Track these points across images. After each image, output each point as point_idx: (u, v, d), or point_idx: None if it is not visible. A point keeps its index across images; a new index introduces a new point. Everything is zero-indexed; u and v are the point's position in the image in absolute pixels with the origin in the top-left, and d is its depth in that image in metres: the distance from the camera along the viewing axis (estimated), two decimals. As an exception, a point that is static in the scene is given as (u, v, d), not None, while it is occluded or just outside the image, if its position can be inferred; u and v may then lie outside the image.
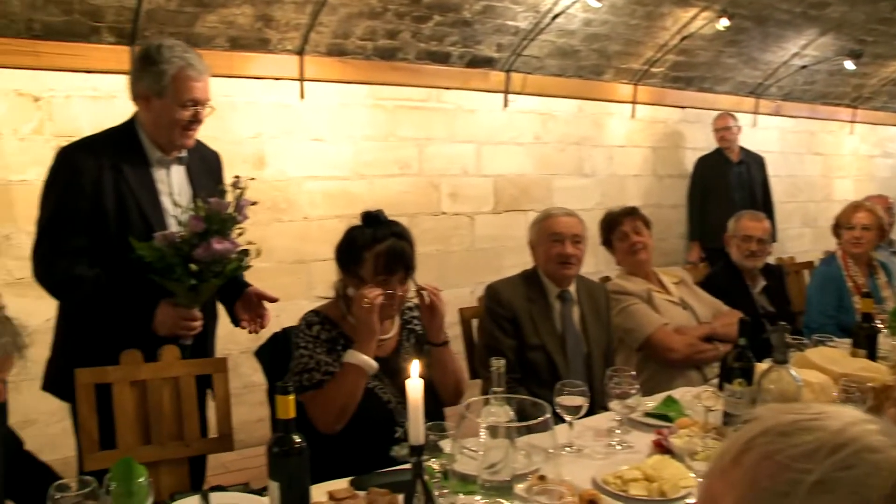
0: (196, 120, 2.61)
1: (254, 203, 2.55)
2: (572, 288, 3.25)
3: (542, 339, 3.10)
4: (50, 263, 2.51)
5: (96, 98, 4.11)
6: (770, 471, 0.70)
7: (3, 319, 1.80)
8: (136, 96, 2.62)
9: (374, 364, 2.42)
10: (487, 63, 5.48)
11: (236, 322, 2.86)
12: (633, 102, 6.44)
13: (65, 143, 3.93)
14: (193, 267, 2.40)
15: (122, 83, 4.06)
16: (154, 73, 2.54)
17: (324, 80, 4.87)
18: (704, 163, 6.62)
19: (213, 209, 2.44)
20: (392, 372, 2.56)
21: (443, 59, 5.27)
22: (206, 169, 2.82)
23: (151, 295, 2.50)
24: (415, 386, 1.60)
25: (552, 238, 3.20)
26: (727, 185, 6.46)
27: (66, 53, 3.98)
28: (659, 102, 6.64)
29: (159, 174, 2.65)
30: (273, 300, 2.84)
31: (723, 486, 0.74)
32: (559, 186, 6.04)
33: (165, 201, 2.62)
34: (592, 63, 5.96)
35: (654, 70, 6.30)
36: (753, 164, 6.67)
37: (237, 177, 2.50)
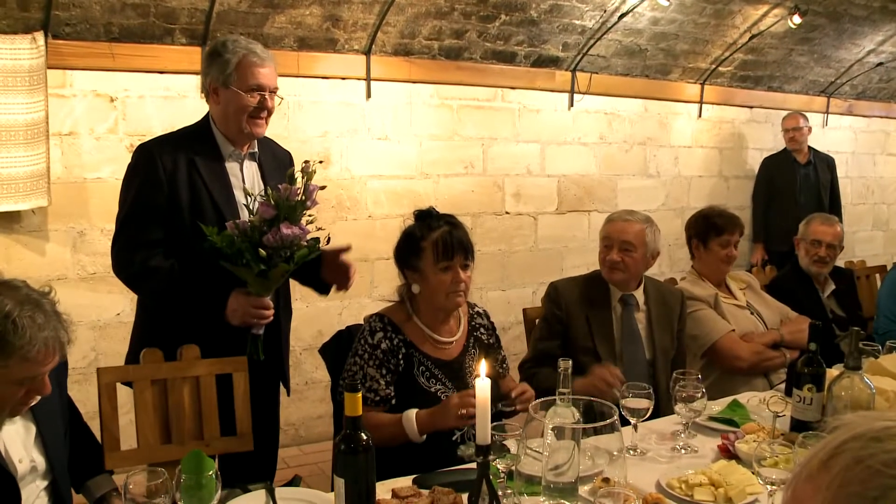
0: (263, 107, 2.66)
1: (322, 188, 2.58)
2: (638, 292, 3.19)
3: (594, 343, 3.06)
4: (128, 256, 2.57)
5: (168, 98, 4.21)
6: (861, 476, 0.69)
7: (50, 314, 1.83)
8: (206, 91, 2.70)
9: (422, 440, 2.39)
10: (553, 62, 5.46)
11: (326, 290, 2.89)
12: (700, 102, 6.35)
13: (137, 141, 4.07)
14: (262, 252, 2.44)
15: (192, 83, 4.23)
16: (219, 64, 2.62)
17: (390, 79, 4.91)
18: (771, 163, 6.49)
19: (283, 195, 2.47)
20: (455, 376, 2.58)
21: (509, 58, 5.27)
22: (277, 166, 2.86)
23: (224, 285, 2.56)
24: (483, 386, 1.60)
25: (603, 242, 3.18)
26: (793, 187, 6.31)
27: (141, 55, 4.09)
28: (726, 102, 6.53)
29: (232, 168, 2.71)
30: (346, 249, 2.83)
31: (810, 490, 0.73)
32: (624, 187, 5.99)
33: (238, 194, 2.66)
34: (659, 62, 5.89)
35: (721, 69, 6.20)
36: (822, 165, 6.49)
37: (306, 162, 2.52)
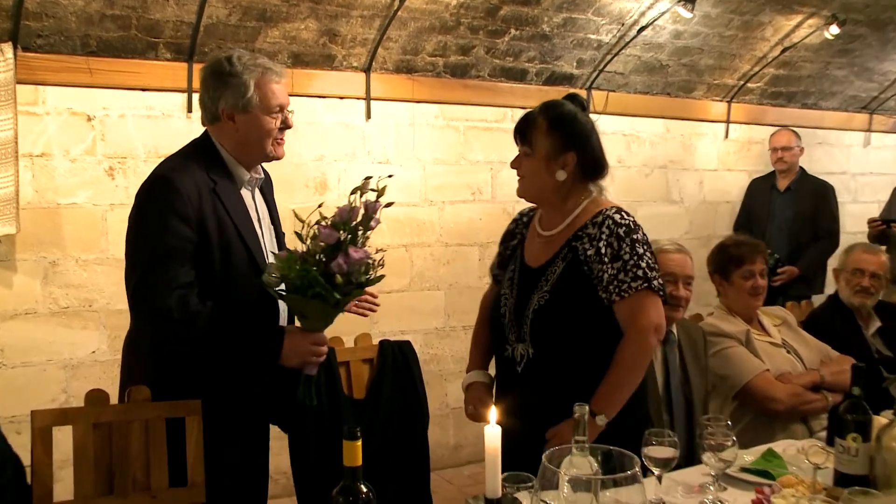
0: (287, 126, 2.65)
1: (388, 205, 2.53)
2: (673, 328, 3.18)
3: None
4: (164, 303, 2.42)
5: (151, 117, 4.20)
6: None
7: None
8: (215, 117, 2.61)
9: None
10: (567, 80, 5.46)
11: None
12: (727, 122, 6.33)
13: (118, 164, 4.10)
14: (339, 279, 2.37)
15: (177, 101, 4.24)
16: (234, 87, 2.54)
17: (391, 98, 4.91)
18: (753, 187, 6.22)
19: (343, 216, 2.42)
20: (525, 291, 2.56)
21: (519, 76, 5.28)
22: (269, 189, 2.85)
23: (269, 325, 2.58)
24: (492, 434, 1.57)
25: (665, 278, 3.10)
26: (767, 217, 5.97)
27: (122, 70, 4.08)
28: (756, 121, 6.50)
29: (247, 196, 2.67)
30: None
31: None
32: (644, 214, 5.91)
33: (256, 226, 2.63)
34: (682, 79, 5.90)
35: (750, 85, 6.19)
36: (804, 193, 5.93)
37: (369, 177, 2.48)
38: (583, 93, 5.52)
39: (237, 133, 2.60)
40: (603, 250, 2.43)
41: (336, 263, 2.37)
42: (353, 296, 2.48)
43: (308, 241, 2.44)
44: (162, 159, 2.69)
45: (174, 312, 2.41)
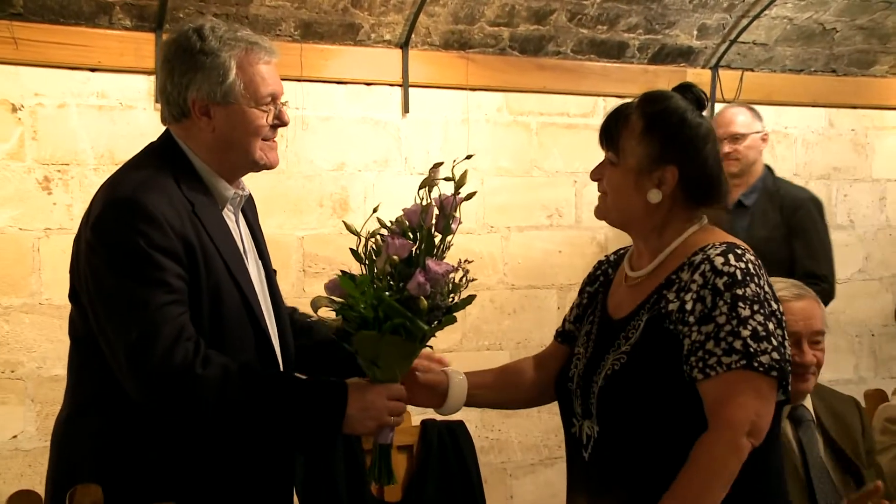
0: (282, 123, 2.66)
1: (469, 196, 2.53)
2: (808, 402, 3.12)
3: None
4: (180, 360, 2.38)
5: (104, 108, 4.23)
6: None
7: None
8: (183, 112, 2.60)
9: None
10: (684, 56, 5.46)
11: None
12: (926, 108, 6.20)
13: (56, 172, 4.09)
14: (424, 303, 2.37)
15: (141, 86, 4.27)
16: (208, 70, 2.53)
17: (437, 85, 4.96)
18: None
19: (414, 220, 2.45)
20: (603, 347, 2.51)
21: (615, 51, 5.29)
22: (253, 211, 2.85)
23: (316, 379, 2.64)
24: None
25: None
26: None
27: (61, 42, 4.09)
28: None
29: (230, 219, 2.67)
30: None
31: None
32: (795, 244, 5.84)
33: (244, 260, 2.63)
34: (856, 48, 5.82)
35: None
36: (771, 212, 4.95)
37: (439, 163, 2.47)
38: (706, 74, 5.54)
39: (213, 133, 2.58)
40: (689, 306, 2.32)
41: (415, 283, 2.36)
42: (443, 325, 2.46)
43: (367, 260, 2.46)
44: (120, 168, 2.65)
45: (195, 368, 2.38)
